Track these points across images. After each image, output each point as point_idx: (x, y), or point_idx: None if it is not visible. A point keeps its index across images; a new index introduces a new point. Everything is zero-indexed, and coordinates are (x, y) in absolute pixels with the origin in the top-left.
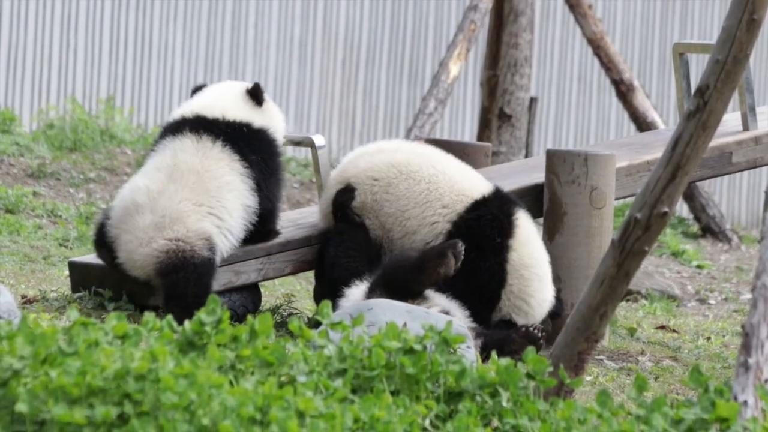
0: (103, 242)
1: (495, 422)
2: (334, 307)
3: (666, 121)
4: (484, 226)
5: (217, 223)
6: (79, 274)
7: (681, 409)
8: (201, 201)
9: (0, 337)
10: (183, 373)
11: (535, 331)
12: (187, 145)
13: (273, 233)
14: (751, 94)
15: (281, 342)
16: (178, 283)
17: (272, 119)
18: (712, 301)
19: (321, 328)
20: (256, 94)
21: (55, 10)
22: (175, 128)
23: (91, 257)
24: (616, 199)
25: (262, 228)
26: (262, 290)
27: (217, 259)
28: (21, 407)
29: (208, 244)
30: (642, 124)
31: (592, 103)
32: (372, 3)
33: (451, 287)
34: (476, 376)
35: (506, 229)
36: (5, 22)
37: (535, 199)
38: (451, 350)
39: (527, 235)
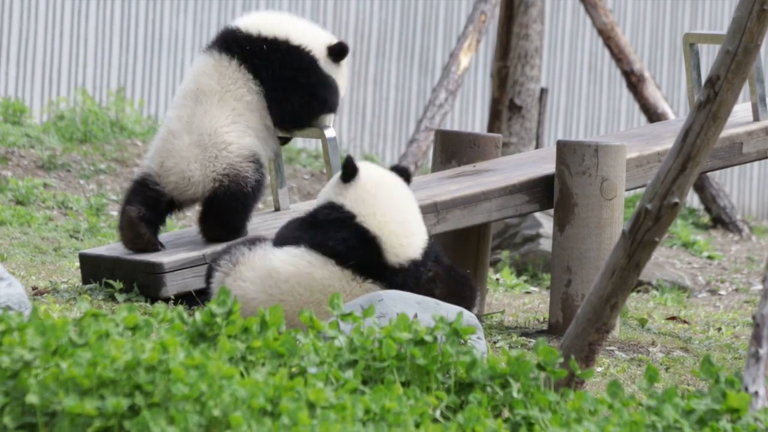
0: (134, 198)
1: (506, 413)
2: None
3: (676, 112)
4: None
5: (259, 136)
6: (90, 266)
7: (692, 399)
8: (234, 119)
9: (11, 329)
10: (193, 365)
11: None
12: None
13: None
14: (761, 84)
15: (292, 333)
16: (222, 204)
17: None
18: (722, 292)
19: (331, 319)
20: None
21: (66, 2)
22: None
23: (102, 249)
24: (627, 190)
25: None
26: None
27: (265, 174)
28: (31, 398)
29: (254, 159)
30: (652, 114)
31: (602, 93)
32: None
33: None
34: (487, 367)
35: None
36: (16, 14)
37: (545, 190)
38: (462, 341)
39: None
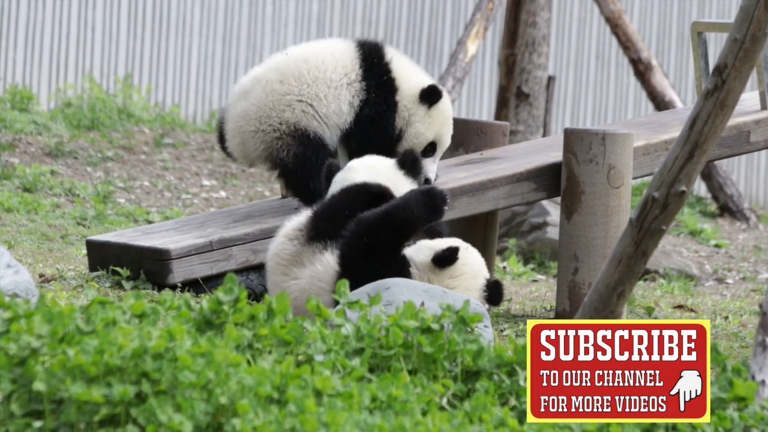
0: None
1: (512, 401)
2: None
3: (684, 100)
4: None
5: (310, 111)
6: (97, 253)
7: None
8: (291, 90)
9: (18, 316)
10: (200, 352)
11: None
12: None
13: None
14: None
15: (298, 321)
16: (281, 172)
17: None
18: (729, 281)
19: (338, 307)
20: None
21: None
22: None
23: (109, 235)
24: (634, 178)
25: None
26: None
27: (326, 143)
28: (39, 386)
29: (300, 133)
30: (660, 103)
31: (609, 82)
32: None
33: None
34: (493, 356)
35: None
36: (23, 1)
37: (552, 178)
38: (469, 329)
39: None
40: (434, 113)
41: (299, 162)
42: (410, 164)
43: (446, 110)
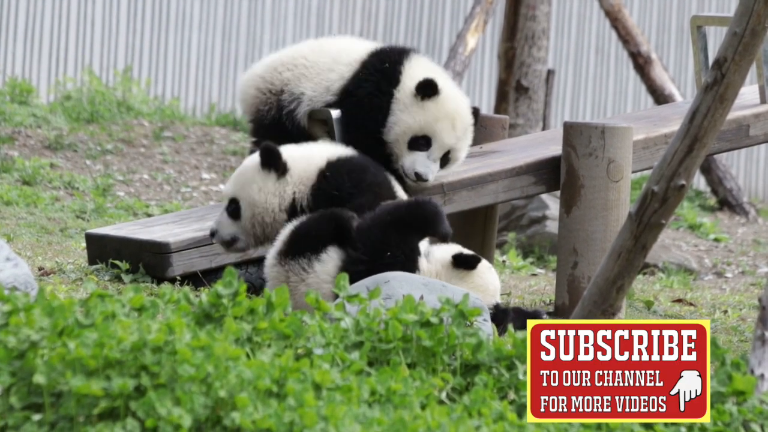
0: None
1: (511, 395)
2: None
3: (683, 94)
4: None
5: (300, 73)
6: (96, 246)
7: None
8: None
9: (17, 309)
10: (200, 346)
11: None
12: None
13: None
14: None
15: (298, 314)
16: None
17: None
18: (729, 275)
19: (338, 300)
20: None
21: None
22: None
23: (109, 228)
24: (634, 171)
25: None
26: None
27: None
28: (38, 379)
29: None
30: (659, 96)
31: (609, 75)
32: None
33: None
34: (493, 349)
35: None
36: None
37: (552, 171)
38: (468, 323)
39: None
40: (428, 105)
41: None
42: (266, 158)
43: (447, 107)
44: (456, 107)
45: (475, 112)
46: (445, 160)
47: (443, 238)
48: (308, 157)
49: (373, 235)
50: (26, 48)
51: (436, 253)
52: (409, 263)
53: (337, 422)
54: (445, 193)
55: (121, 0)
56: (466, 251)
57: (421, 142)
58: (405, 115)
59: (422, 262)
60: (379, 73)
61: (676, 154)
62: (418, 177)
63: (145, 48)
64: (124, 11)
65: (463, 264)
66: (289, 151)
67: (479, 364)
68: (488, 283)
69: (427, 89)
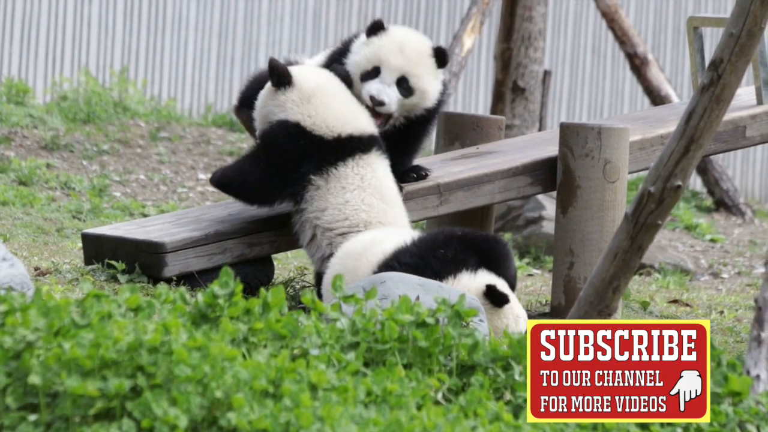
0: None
1: (507, 396)
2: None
3: (680, 95)
4: None
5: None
6: (92, 246)
7: None
8: None
9: (13, 309)
10: (196, 346)
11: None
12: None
13: None
14: (765, 67)
15: (294, 315)
16: None
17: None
18: (725, 275)
19: (334, 301)
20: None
21: None
22: None
23: (105, 228)
24: (630, 172)
25: None
26: (275, 263)
27: None
28: (34, 379)
29: None
30: (656, 97)
31: (605, 76)
32: None
33: None
34: (489, 350)
35: None
36: None
37: (548, 172)
38: (464, 323)
39: None
40: (374, 40)
41: None
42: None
43: (393, 37)
44: (404, 37)
45: (440, 50)
46: (408, 91)
47: (508, 282)
48: None
49: (436, 236)
50: (23, 48)
51: (476, 278)
52: (449, 268)
53: (333, 423)
54: (441, 194)
55: (118, 1)
56: (501, 284)
57: (371, 73)
58: (355, 56)
59: (466, 277)
60: (345, 44)
61: (672, 155)
62: (373, 100)
63: (142, 48)
64: (120, 12)
65: (492, 300)
66: None
67: (475, 365)
68: (519, 316)
69: (374, 27)
